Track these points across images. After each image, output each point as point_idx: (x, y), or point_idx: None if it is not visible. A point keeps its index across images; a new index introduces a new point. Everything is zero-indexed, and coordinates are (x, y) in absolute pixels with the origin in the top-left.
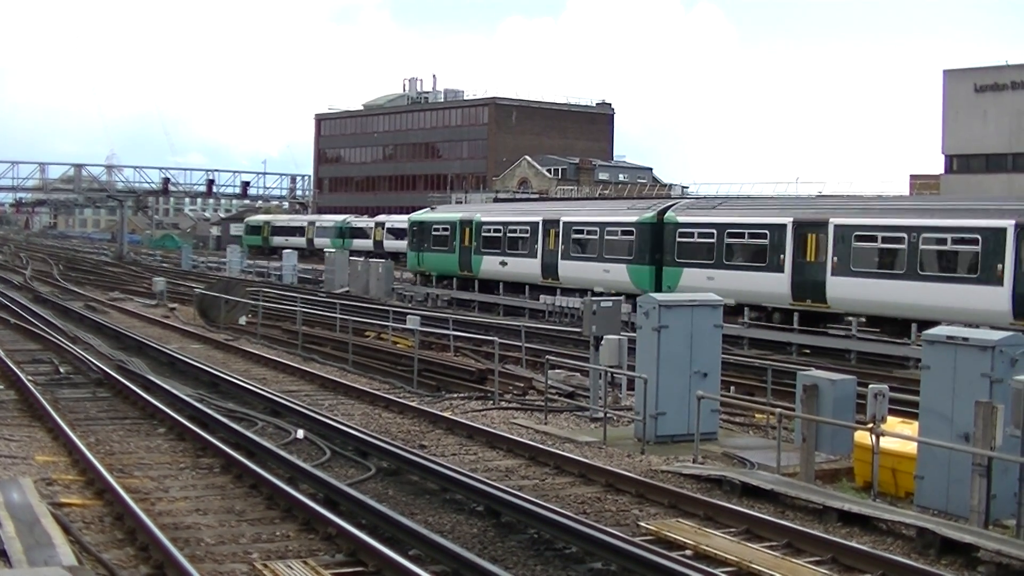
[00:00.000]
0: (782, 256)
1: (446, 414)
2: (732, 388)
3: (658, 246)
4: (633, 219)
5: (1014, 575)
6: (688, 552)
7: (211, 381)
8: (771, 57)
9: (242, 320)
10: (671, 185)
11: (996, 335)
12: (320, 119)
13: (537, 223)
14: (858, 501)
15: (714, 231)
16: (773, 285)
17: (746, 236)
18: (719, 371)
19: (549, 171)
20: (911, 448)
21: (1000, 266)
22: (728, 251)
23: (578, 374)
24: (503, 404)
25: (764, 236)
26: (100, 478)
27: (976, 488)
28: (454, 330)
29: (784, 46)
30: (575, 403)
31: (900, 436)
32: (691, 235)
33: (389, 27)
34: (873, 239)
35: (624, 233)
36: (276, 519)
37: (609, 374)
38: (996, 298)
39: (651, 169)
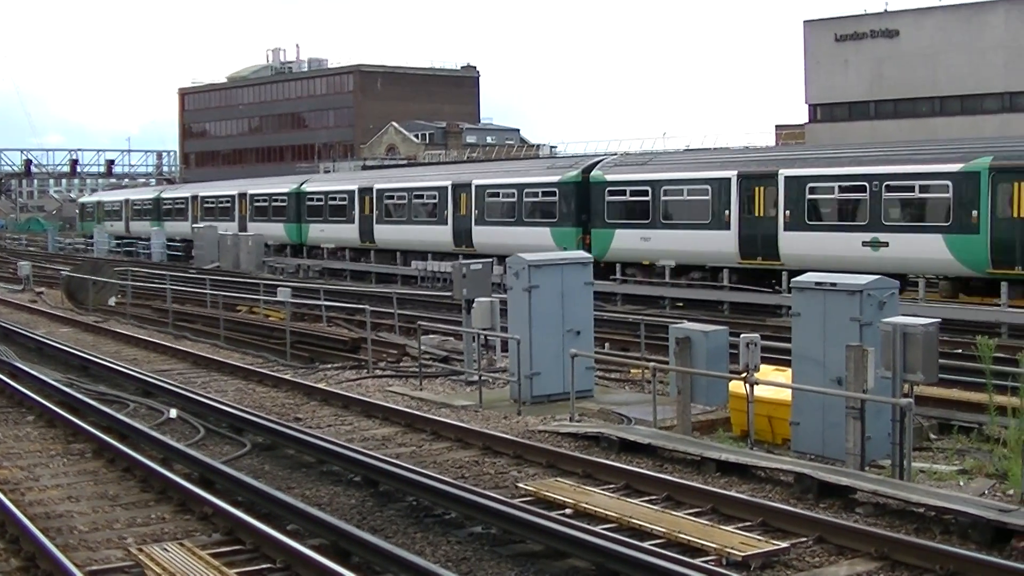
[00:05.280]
0: None
1: (320, 385)
2: (606, 345)
3: None
4: None
5: (891, 515)
6: (568, 511)
7: (81, 365)
8: (635, 11)
9: (111, 301)
10: (539, 145)
11: (863, 279)
12: (184, 93)
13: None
14: (735, 451)
15: None
16: None
17: None
18: (592, 328)
19: (417, 136)
20: (785, 395)
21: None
22: None
23: (452, 338)
24: (378, 372)
25: None
26: None
27: (851, 431)
28: (326, 300)
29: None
30: (450, 367)
31: (774, 384)
32: None
33: None
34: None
35: None
36: (151, 502)
37: (482, 337)
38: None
39: (518, 130)
